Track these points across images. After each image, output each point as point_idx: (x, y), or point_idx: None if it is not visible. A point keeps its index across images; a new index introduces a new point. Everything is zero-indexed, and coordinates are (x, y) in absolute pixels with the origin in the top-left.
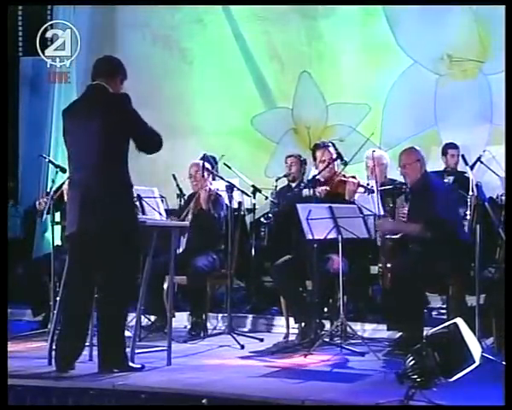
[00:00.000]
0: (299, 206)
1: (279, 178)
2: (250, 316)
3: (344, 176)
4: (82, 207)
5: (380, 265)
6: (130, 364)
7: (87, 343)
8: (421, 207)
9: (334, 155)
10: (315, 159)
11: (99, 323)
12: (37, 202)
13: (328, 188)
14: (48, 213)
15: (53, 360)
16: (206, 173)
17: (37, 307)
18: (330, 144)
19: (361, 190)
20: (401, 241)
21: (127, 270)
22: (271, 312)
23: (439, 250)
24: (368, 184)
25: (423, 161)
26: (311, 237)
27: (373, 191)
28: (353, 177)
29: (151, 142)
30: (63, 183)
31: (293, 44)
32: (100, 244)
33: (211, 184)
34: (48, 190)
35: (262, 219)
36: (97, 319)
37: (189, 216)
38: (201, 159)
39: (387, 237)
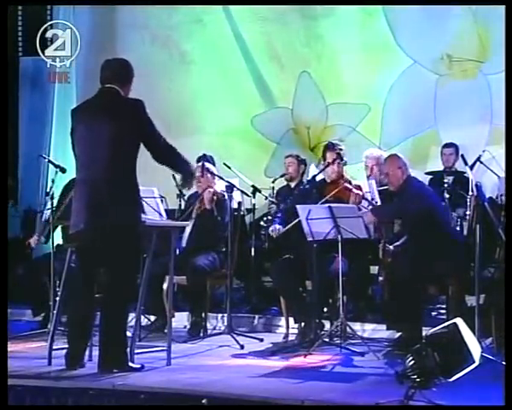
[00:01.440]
0: (298, 207)
1: (275, 179)
2: (250, 316)
3: (350, 183)
4: (90, 205)
5: (381, 278)
6: (130, 364)
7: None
8: (402, 210)
9: (335, 157)
10: (325, 159)
11: (101, 322)
12: (29, 241)
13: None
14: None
15: (53, 360)
16: (206, 173)
17: (37, 307)
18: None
19: (365, 203)
20: (401, 252)
21: (130, 270)
22: (271, 312)
23: (431, 251)
24: (372, 199)
25: (405, 167)
26: (311, 239)
27: (373, 205)
28: (359, 187)
29: (166, 152)
30: (67, 187)
31: (292, 44)
32: (105, 243)
33: (215, 184)
34: (48, 190)
35: (262, 223)
36: (100, 319)
37: (193, 215)
38: (201, 158)
39: (388, 247)
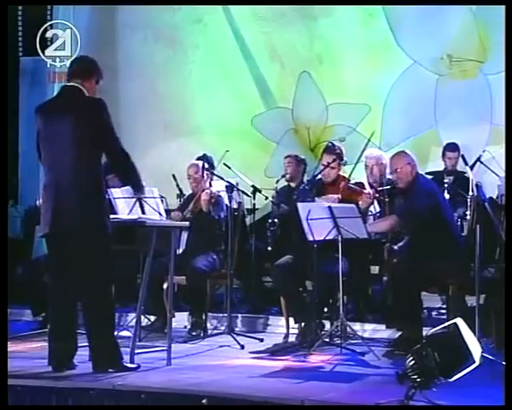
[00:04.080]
0: (299, 205)
1: (278, 180)
2: (250, 316)
3: (348, 180)
4: (54, 208)
5: (385, 278)
6: (125, 364)
7: (87, 344)
8: (409, 207)
9: (334, 159)
10: (322, 160)
11: (86, 325)
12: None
13: (339, 196)
14: None
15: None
16: (205, 174)
17: (37, 307)
18: (334, 146)
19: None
20: (407, 252)
21: (102, 272)
22: (271, 312)
23: (435, 250)
24: (380, 193)
25: (414, 164)
26: (311, 238)
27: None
28: (361, 184)
29: (119, 160)
30: None
31: (293, 44)
32: (72, 246)
33: (211, 185)
34: None
35: (267, 224)
36: (84, 322)
37: (188, 216)
38: (200, 158)
39: (393, 247)
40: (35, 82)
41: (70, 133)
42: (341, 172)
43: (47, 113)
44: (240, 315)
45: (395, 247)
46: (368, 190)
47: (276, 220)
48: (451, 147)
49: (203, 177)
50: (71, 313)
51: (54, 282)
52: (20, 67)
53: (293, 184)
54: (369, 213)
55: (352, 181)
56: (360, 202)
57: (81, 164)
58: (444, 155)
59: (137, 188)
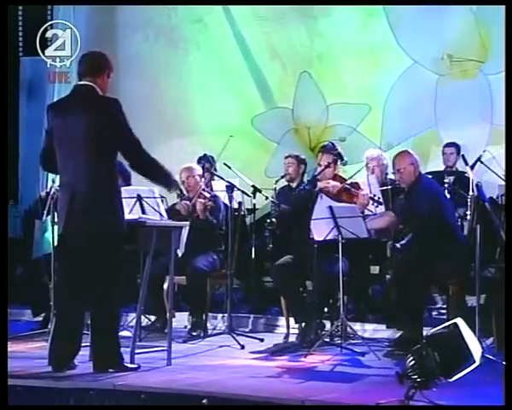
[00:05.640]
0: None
1: (277, 180)
2: (250, 316)
3: (344, 179)
4: (70, 209)
5: (388, 277)
6: (126, 364)
7: (87, 344)
8: (413, 207)
9: (332, 159)
10: (320, 161)
11: (91, 323)
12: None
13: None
14: (48, 215)
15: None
16: (205, 174)
17: (37, 307)
18: (332, 146)
19: (371, 202)
20: (410, 250)
21: (114, 272)
22: (271, 312)
23: (437, 250)
24: (374, 195)
25: (417, 164)
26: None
27: (381, 203)
28: (357, 184)
29: (144, 161)
30: None
31: (293, 44)
32: (87, 246)
33: (211, 186)
34: (48, 189)
35: (265, 224)
36: (90, 320)
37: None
38: (201, 158)
39: (396, 245)
40: (35, 82)
41: (85, 133)
42: (339, 172)
43: (60, 112)
44: (240, 315)
45: (398, 245)
46: (365, 190)
47: (274, 220)
48: (449, 143)
49: (203, 176)
50: (79, 313)
51: (64, 281)
52: (20, 67)
53: (293, 185)
54: (370, 214)
55: (350, 181)
56: (358, 204)
57: (96, 164)
58: (443, 153)
59: (166, 184)
